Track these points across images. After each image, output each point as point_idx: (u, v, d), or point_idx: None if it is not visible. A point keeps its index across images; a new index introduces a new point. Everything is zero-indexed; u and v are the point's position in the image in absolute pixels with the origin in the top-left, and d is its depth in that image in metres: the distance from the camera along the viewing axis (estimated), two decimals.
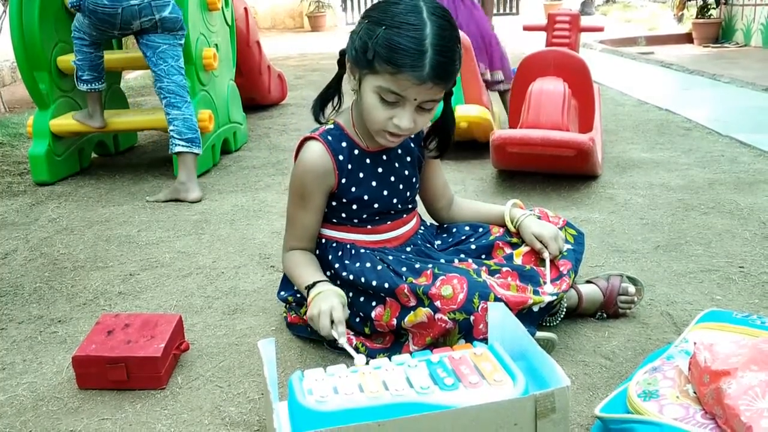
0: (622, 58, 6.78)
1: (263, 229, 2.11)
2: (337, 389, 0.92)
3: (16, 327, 1.53)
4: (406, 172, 1.41)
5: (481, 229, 1.49)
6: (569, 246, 1.44)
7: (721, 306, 1.48)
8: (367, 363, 1.00)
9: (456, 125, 1.42)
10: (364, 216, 1.38)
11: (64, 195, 2.58)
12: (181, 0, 2.64)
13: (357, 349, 1.31)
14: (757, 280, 1.62)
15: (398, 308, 1.27)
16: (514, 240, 1.46)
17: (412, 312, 1.24)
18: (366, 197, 1.36)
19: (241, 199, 2.44)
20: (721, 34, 7.92)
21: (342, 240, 1.40)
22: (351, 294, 1.33)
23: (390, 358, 1.00)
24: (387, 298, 1.28)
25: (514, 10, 13.84)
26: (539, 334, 1.27)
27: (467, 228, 1.50)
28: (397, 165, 1.40)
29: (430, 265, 1.29)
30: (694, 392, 0.94)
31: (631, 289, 1.45)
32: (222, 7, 3.08)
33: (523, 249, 1.43)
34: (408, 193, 1.42)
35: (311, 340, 1.40)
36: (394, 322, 1.27)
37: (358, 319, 1.33)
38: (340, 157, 1.33)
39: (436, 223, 1.58)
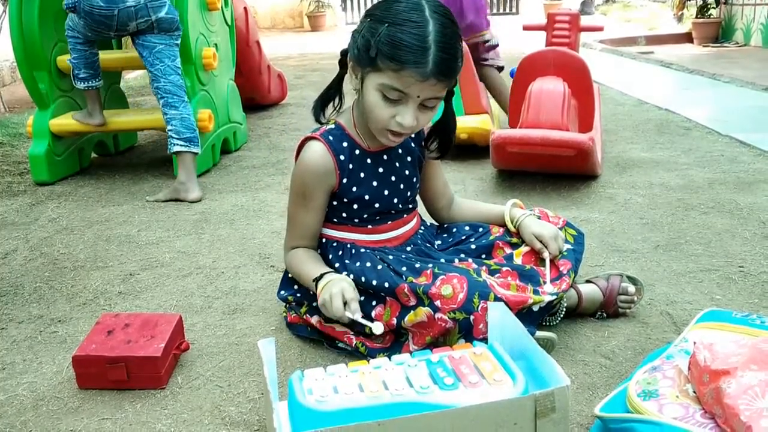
0: (621, 58, 6.78)
1: (263, 229, 2.11)
2: (337, 389, 0.92)
3: (16, 327, 1.53)
4: (407, 172, 1.41)
5: (481, 229, 1.49)
6: (569, 246, 1.44)
7: (721, 306, 1.48)
8: (385, 330, 0.99)
9: (456, 136, 1.42)
10: (365, 216, 1.38)
11: (64, 195, 2.58)
12: (181, 0, 2.64)
13: (357, 349, 1.31)
14: (756, 279, 1.62)
15: (398, 308, 1.27)
16: (514, 240, 1.46)
17: (412, 311, 1.24)
18: (367, 197, 1.36)
19: (241, 199, 2.44)
20: (720, 33, 7.92)
21: (342, 239, 1.40)
22: None
23: (390, 358, 1.00)
24: (387, 298, 1.29)
25: (513, 10, 13.84)
26: (539, 333, 1.27)
27: (467, 228, 1.51)
28: (397, 165, 1.40)
29: (430, 265, 1.29)
30: (694, 392, 0.94)
31: (631, 288, 1.45)
32: (222, 7, 3.08)
33: (523, 249, 1.43)
34: (408, 193, 1.43)
35: (311, 340, 1.40)
36: (394, 321, 1.27)
37: None
38: (341, 157, 1.33)
39: (436, 223, 1.58)
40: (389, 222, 1.41)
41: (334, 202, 1.38)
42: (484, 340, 1.16)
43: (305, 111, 4.15)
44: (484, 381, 0.92)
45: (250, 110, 3.86)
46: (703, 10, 8.04)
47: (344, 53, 1.31)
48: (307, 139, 1.36)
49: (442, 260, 1.38)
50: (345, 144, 1.35)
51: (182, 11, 2.64)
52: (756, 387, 0.85)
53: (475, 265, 1.35)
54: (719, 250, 1.80)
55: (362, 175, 1.36)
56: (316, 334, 1.38)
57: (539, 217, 1.47)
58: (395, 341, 1.33)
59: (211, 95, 2.93)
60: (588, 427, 1.09)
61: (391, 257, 1.34)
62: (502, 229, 1.48)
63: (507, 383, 0.91)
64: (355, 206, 1.37)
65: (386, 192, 1.38)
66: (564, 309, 1.38)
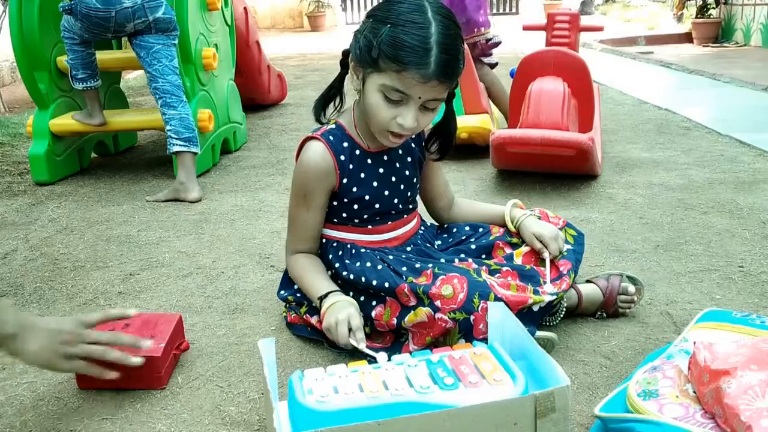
0: (621, 58, 6.78)
1: (263, 229, 2.11)
2: (337, 389, 0.92)
3: None
4: (407, 173, 1.42)
5: (481, 229, 1.49)
6: (569, 246, 1.44)
7: (721, 305, 1.48)
8: (390, 360, 1.00)
9: (456, 136, 1.42)
10: (365, 216, 1.38)
11: (64, 195, 2.58)
12: (180, 0, 2.64)
13: (356, 349, 1.31)
14: (756, 279, 1.62)
15: (398, 308, 1.27)
16: (514, 240, 1.46)
17: (412, 311, 1.24)
18: (367, 197, 1.36)
19: (240, 199, 2.44)
20: (720, 33, 7.93)
21: (342, 240, 1.40)
22: (351, 294, 1.33)
23: (390, 358, 1.00)
24: (387, 298, 1.29)
25: (513, 10, 13.85)
26: (539, 333, 1.27)
27: (467, 228, 1.51)
28: (398, 165, 1.40)
29: (431, 265, 1.29)
30: (694, 392, 0.94)
31: (631, 288, 1.45)
32: (221, 7, 3.08)
33: (524, 249, 1.43)
34: (409, 194, 1.43)
35: (311, 340, 1.40)
36: (395, 321, 1.27)
37: None
38: (342, 157, 1.33)
39: (437, 224, 1.58)
40: (389, 222, 1.41)
41: (335, 203, 1.38)
42: (485, 340, 1.16)
43: (305, 111, 4.15)
44: (485, 381, 0.92)
45: (250, 110, 3.86)
46: (703, 10, 8.04)
47: (345, 53, 1.31)
48: (308, 138, 1.36)
49: (443, 260, 1.38)
50: (345, 144, 1.35)
51: (182, 11, 2.64)
52: (756, 387, 0.85)
53: (475, 265, 1.35)
54: (719, 250, 1.80)
55: (362, 175, 1.36)
56: (316, 334, 1.38)
57: (539, 218, 1.47)
58: (395, 341, 1.33)
59: (211, 95, 2.93)
60: (588, 427, 1.09)
61: (391, 257, 1.35)
62: (502, 230, 1.48)
63: (507, 383, 0.91)
64: (356, 206, 1.37)
65: (386, 192, 1.38)
66: (564, 309, 1.38)
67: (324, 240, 1.42)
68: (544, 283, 1.34)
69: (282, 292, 1.45)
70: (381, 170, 1.38)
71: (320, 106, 1.38)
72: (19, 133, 3.61)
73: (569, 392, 0.88)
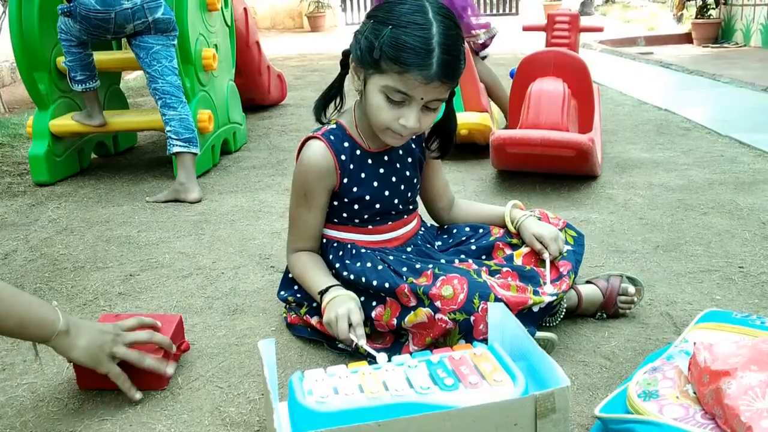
0: (621, 58, 6.78)
1: (263, 230, 2.11)
2: (338, 390, 0.92)
3: None
4: (408, 173, 1.42)
5: (481, 230, 1.49)
6: (569, 247, 1.44)
7: (721, 306, 1.48)
8: (389, 360, 1.00)
9: (456, 132, 1.42)
10: (365, 216, 1.39)
11: (63, 195, 2.58)
12: (180, 0, 2.65)
13: (357, 349, 1.31)
14: (756, 280, 1.62)
15: (398, 308, 1.27)
16: (515, 241, 1.46)
17: (412, 312, 1.24)
18: (367, 197, 1.36)
19: (240, 200, 2.44)
20: (720, 34, 7.93)
21: (343, 240, 1.40)
22: None
23: (390, 359, 1.00)
24: (387, 298, 1.29)
25: (513, 10, 13.85)
26: (539, 334, 1.27)
27: (467, 229, 1.51)
28: (398, 166, 1.40)
29: (431, 266, 1.29)
30: (694, 392, 0.94)
31: (631, 289, 1.45)
32: (221, 8, 3.09)
33: (524, 250, 1.43)
34: (409, 194, 1.43)
35: (311, 341, 1.40)
36: (395, 322, 1.27)
37: None
38: (342, 157, 1.33)
39: (437, 224, 1.58)
40: (390, 222, 1.41)
41: (335, 202, 1.38)
42: (485, 340, 1.16)
43: (305, 111, 4.15)
44: (485, 381, 0.92)
45: (249, 111, 3.86)
46: (702, 11, 8.04)
47: (345, 54, 1.31)
48: (309, 138, 1.36)
49: (443, 261, 1.38)
50: (346, 144, 1.35)
51: (182, 12, 2.64)
52: (756, 388, 0.85)
53: (475, 266, 1.35)
54: (719, 251, 1.80)
55: (363, 175, 1.36)
56: (317, 334, 1.38)
57: (539, 219, 1.47)
58: (395, 342, 1.33)
59: (211, 96, 2.93)
60: (588, 428, 1.09)
61: (391, 258, 1.35)
62: (502, 230, 1.48)
63: (507, 384, 0.91)
64: (356, 206, 1.37)
65: (387, 193, 1.38)
66: (564, 310, 1.39)
67: (324, 240, 1.42)
68: (544, 284, 1.34)
69: (282, 292, 1.45)
70: (381, 170, 1.38)
71: (321, 107, 1.38)
72: (19, 133, 3.61)
73: (569, 393, 0.88)
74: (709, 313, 1.19)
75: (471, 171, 2.70)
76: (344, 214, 1.39)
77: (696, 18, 8.12)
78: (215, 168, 2.91)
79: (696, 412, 0.91)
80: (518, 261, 1.41)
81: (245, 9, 3.87)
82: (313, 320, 1.37)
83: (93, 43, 2.57)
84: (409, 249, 1.43)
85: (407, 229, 1.45)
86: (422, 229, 1.51)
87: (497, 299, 1.20)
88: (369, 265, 1.32)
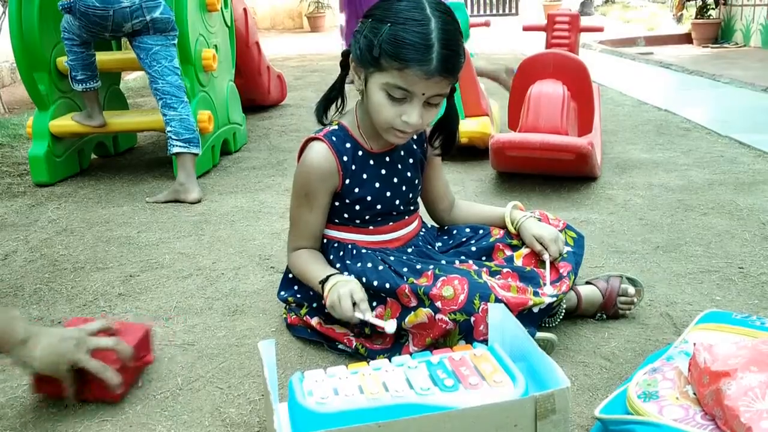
0: (621, 59, 6.79)
1: (263, 230, 2.11)
2: (338, 390, 0.92)
3: None
4: (409, 174, 1.42)
5: (481, 231, 1.49)
6: (569, 248, 1.44)
7: (721, 307, 1.48)
8: (390, 359, 1.00)
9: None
10: (367, 217, 1.39)
11: (63, 196, 2.58)
12: (180, 1, 2.65)
13: (357, 351, 1.32)
14: (756, 280, 1.62)
15: (399, 308, 1.27)
16: (515, 242, 1.46)
17: (412, 312, 1.24)
18: (369, 198, 1.37)
19: (240, 200, 2.44)
20: (720, 34, 7.93)
21: (344, 240, 1.40)
22: None
23: (390, 359, 1.00)
24: (388, 299, 1.29)
25: (513, 11, 13.86)
26: (539, 334, 1.27)
27: (468, 230, 1.51)
28: (399, 167, 1.40)
29: (431, 266, 1.29)
30: (694, 393, 0.94)
31: (631, 290, 1.46)
32: (221, 8, 3.09)
33: (524, 251, 1.43)
34: (410, 195, 1.43)
35: (311, 342, 1.40)
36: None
37: None
38: (344, 158, 1.34)
39: (437, 225, 1.58)
40: (391, 223, 1.42)
41: (336, 203, 1.38)
42: (485, 341, 1.16)
43: (305, 112, 4.15)
44: (485, 382, 0.92)
45: (249, 111, 3.86)
46: (702, 11, 8.05)
47: (345, 54, 1.32)
48: (311, 139, 1.36)
49: (443, 262, 1.38)
50: (348, 145, 1.35)
51: (181, 12, 2.64)
52: (756, 388, 0.85)
53: (475, 267, 1.35)
54: (719, 251, 1.80)
55: (364, 176, 1.36)
56: (317, 335, 1.38)
57: (539, 220, 1.47)
58: (395, 342, 1.33)
59: (211, 96, 2.93)
60: (588, 429, 1.09)
61: (392, 258, 1.35)
62: (502, 231, 1.48)
63: (507, 385, 0.91)
64: (357, 207, 1.37)
65: (388, 193, 1.38)
66: (563, 310, 1.39)
67: (325, 240, 1.42)
68: (544, 285, 1.34)
69: (282, 292, 1.45)
70: (383, 171, 1.38)
71: (322, 108, 1.38)
72: (19, 134, 3.61)
73: (569, 394, 0.88)
74: (709, 314, 1.19)
75: (471, 172, 2.70)
76: (345, 215, 1.39)
77: (696, 18, 8.13)
78: (215, 168, 2.91)
79: (696, 413, 0.91)
80: (518, 262, 1.42)
81: (245, 9, 3.87)
82: (313, 321, 1.37)
83: (95, 43, 2.57)
84: (409, 250, 1.43)
85: (408, 229, 1.45)
86: (423, 230, 1.51)
87: (498, 300, 1.20)
88: (370, 265, 1.32)
